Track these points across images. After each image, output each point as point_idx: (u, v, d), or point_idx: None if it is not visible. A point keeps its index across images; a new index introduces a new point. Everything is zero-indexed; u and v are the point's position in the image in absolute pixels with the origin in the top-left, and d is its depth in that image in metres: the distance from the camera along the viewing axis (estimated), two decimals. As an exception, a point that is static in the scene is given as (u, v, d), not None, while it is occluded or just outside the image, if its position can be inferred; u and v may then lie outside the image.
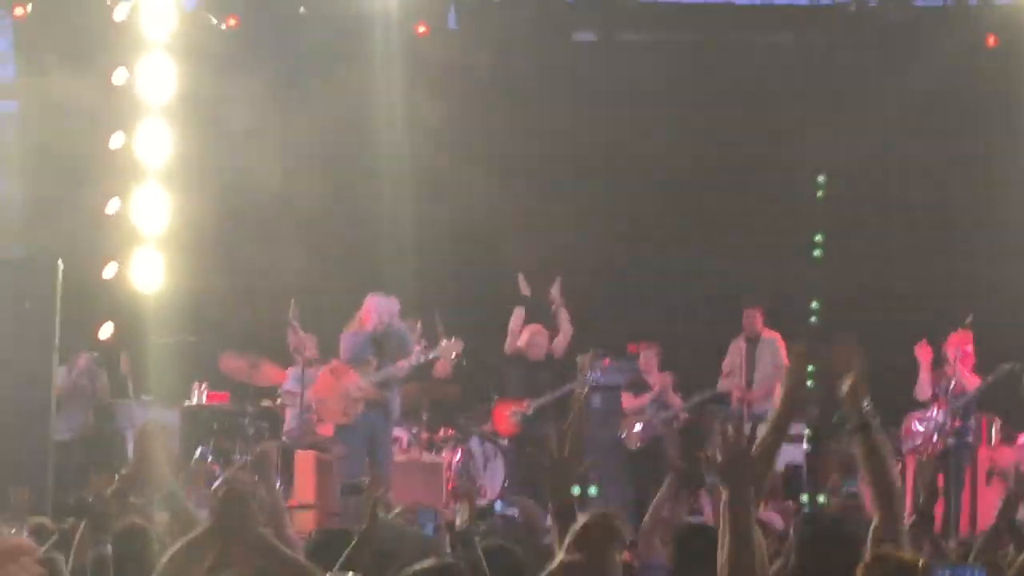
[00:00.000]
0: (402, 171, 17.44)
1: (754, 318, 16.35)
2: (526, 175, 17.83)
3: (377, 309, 14.52)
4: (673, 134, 17.97)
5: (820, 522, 6.58)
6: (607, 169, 18.17)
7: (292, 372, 15.58)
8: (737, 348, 16.60)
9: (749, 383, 16.40)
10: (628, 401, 16.45)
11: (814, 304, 16.99)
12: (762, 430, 5.60)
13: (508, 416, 15.92)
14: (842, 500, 14.35)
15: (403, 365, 14.53)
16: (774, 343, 16.37)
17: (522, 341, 16.00)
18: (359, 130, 17.54)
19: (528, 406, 15.74)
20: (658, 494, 8.03)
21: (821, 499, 14.89)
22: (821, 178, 17.31)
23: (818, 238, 17.42)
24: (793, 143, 17.70)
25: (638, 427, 16.26)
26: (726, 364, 16.60)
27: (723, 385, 16.42)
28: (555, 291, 15.96)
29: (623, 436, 16.33)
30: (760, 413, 15.27)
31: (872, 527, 5.86)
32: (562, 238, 17.48)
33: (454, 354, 14.84)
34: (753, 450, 5.21)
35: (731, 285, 17.25)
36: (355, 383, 14.47)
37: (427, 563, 5.72)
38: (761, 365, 16.32)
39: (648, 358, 16.44)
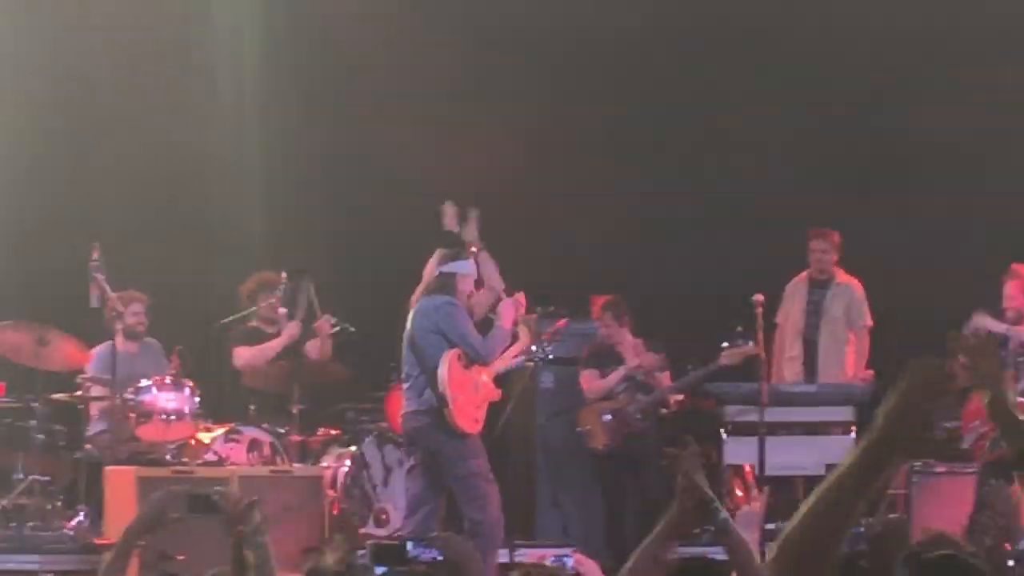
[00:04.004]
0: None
1: (825, 249, 13.04)
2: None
3: None
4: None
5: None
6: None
7: (99, 351, 12.88)
8: (796, 293, 13.22)
9: (811, 347, 13.08)
10: (590, 381, 13.03)
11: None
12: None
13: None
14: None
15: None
16: (851, 291, 13.04)
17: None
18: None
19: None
20: (655, 533, 6.02)
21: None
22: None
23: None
24: None
25: (606, 418, 12.90)
26: (781, 315, 13.26)
27: (737, 353, 12.46)
28: (471, 228, 12.48)
29: (584, 431, 13.00)
30: (814, 392, 12.60)
31: None
32: (483, 152, 14.11)
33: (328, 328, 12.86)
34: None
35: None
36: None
37: None
38: (829, 324, 13.05)
39: (614, 317, 13.03)
